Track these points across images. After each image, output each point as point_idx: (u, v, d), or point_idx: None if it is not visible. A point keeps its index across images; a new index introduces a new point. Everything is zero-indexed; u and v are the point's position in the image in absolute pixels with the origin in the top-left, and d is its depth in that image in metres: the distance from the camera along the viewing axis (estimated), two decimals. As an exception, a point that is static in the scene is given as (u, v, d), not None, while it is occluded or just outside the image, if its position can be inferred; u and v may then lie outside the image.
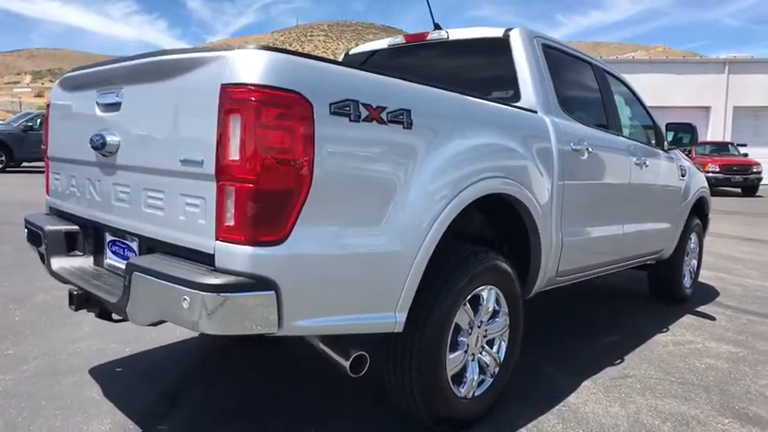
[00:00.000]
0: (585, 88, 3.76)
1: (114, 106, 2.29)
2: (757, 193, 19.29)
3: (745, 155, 19.85)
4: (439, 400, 2.46)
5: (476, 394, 2.67)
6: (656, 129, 4.63)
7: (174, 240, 2.01)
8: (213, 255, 1.85)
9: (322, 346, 2.17)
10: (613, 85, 4.13)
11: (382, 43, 3.97)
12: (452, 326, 2.46)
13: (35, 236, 2.73)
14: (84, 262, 2.64)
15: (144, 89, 2.15)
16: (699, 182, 5.27)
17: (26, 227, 2.88)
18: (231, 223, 1.79)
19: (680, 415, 2.97)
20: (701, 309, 5.12)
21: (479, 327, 2.66)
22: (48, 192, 2.98)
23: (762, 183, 19.05)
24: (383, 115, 2.07)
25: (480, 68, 3.44)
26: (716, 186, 16.87)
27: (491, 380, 2.77)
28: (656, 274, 5.12)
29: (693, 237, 5.34)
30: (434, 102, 2.37)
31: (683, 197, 4.91)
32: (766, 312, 5.06)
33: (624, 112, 4.25)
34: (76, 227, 2.66)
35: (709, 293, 5.69)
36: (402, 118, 2.14)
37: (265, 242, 1.79)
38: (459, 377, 2.59)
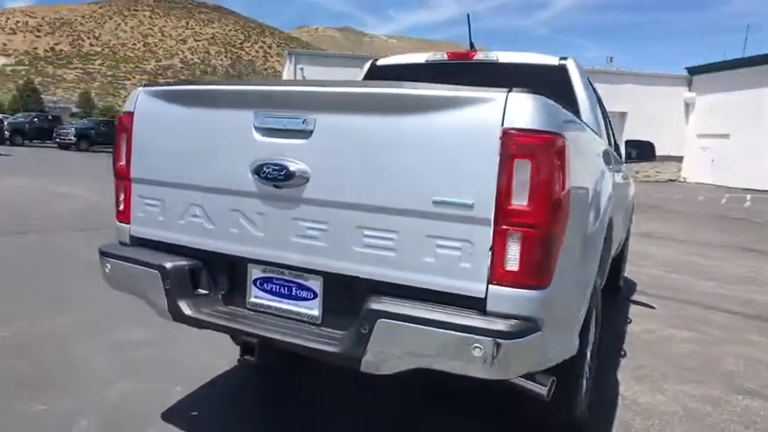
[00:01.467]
0: (598, 110, 4.18)
1: (298, 134, 2.07)
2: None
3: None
4: (577, 411, 2.66)
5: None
6: (617, 143, 5.27)
7: (413, 282, 1.92)
8: (484, 299, 1.83)
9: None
10: (601, 105, 4.64)
11: (418, 57, 3.97)
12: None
13: (141, 274, 2.34)
14: (214, 302, 2.35)
15: (365, 121, 1.97)
16: (633, 188, 6.10)
17: (112, 261, 2.45)
18: (514, 268, 1.79)
19: (708, 397, 3.52)
20: (634, 298, 5.96)
21: None
22: (126, 219, 2.54)
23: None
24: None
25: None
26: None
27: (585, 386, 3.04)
28: (604, 270, 5.82)
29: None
30: (588, 135, 2.54)
31: (628, 202, 5.66)
32: (682, 298, 6.05)
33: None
34: (199, 262, 2.34)
35: (629, 284, 6.61)
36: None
37: (540, 285, 1.82)
38: (581, 388, 2.81)
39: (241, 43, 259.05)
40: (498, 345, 1.73)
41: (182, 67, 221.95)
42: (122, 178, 2.54)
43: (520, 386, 2.20)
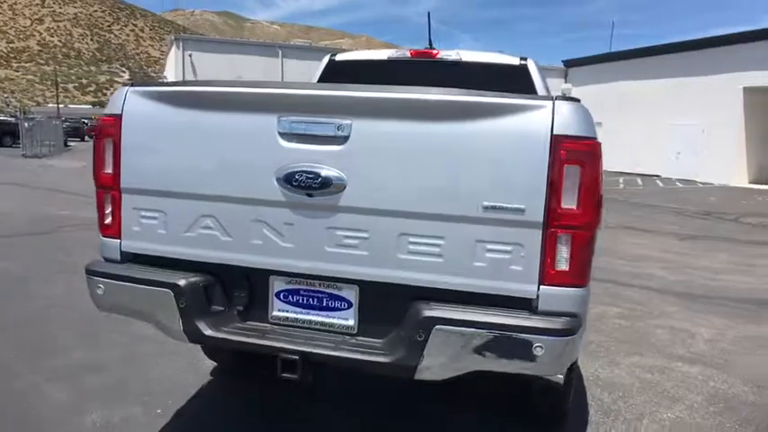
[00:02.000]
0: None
1: (332, 140, 2.00)
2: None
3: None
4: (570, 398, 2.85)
5: None
6: None
7: (460, 287, 1.95)
8: (535, 299, 1.90)
9: None
10: None
11: (379, 54, 3.94)
12: None
13: (148, 294, 2.14)
14: (231, 318, 2.21)
15: (407, 127, 1.94)
16: None
17: (107, 282, 2.21)
18: (564, 268, 1.88)
19: (654, 367, 3.92)
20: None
21: None
22: (116, 233, 2.30)
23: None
24: None
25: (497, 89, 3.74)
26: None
27: None
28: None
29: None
30: None
31: None
32: (600, 277, 6.57)
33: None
34: (212, 277, 2.19)
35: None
36: None
37: (583, 283, 1.93)
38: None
39: (109, 26, 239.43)
40: (558, 343, 1.82)
41: (40, 50, 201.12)
42: (108, 188, 2.30)
43: (549, 379, 2.32)
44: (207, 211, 2.17)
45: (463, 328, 1.86)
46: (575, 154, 1.85)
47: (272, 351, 2.04)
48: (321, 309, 2.15)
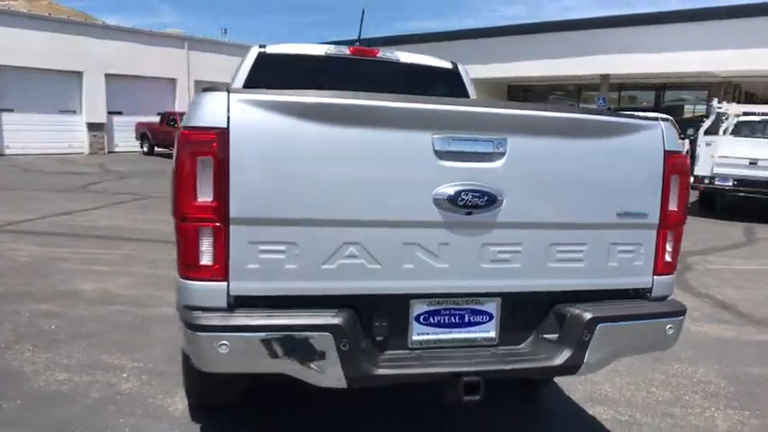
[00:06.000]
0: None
1: (490, 156, 2.00)
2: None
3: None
4: None
5: None
6: None
7: (597, 286, 2.20)
8: (650, 288, 2.27)
9: None
10: None
11: (316, 49, 3.73)
12: None
13: (298, 344, 1.83)
14: (374, 352, 2.04)
15: (553, 144, 2.06)
16: None
17: (236, 336, 1.80)
18: (669, 259, 2.29)
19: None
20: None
21: None
22: (219, 274, 1.85)
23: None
24: None
25: (434, 92, 3.90)
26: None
27: None
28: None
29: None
30: None
31: None
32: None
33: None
34: (353, 310, 1.98)
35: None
36: None
37: (675, 270, 2.37)
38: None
39: None
40: (682, 322, 2.23)
41: None
42: (206, 220, 1.82)
43: None
44: (351, 239, 1.93)
45: (620, 323, 2.13)
46: (677, 166, 2.25)
47: (447, 377, 1.98)
48: (462, 325, 2.15)
